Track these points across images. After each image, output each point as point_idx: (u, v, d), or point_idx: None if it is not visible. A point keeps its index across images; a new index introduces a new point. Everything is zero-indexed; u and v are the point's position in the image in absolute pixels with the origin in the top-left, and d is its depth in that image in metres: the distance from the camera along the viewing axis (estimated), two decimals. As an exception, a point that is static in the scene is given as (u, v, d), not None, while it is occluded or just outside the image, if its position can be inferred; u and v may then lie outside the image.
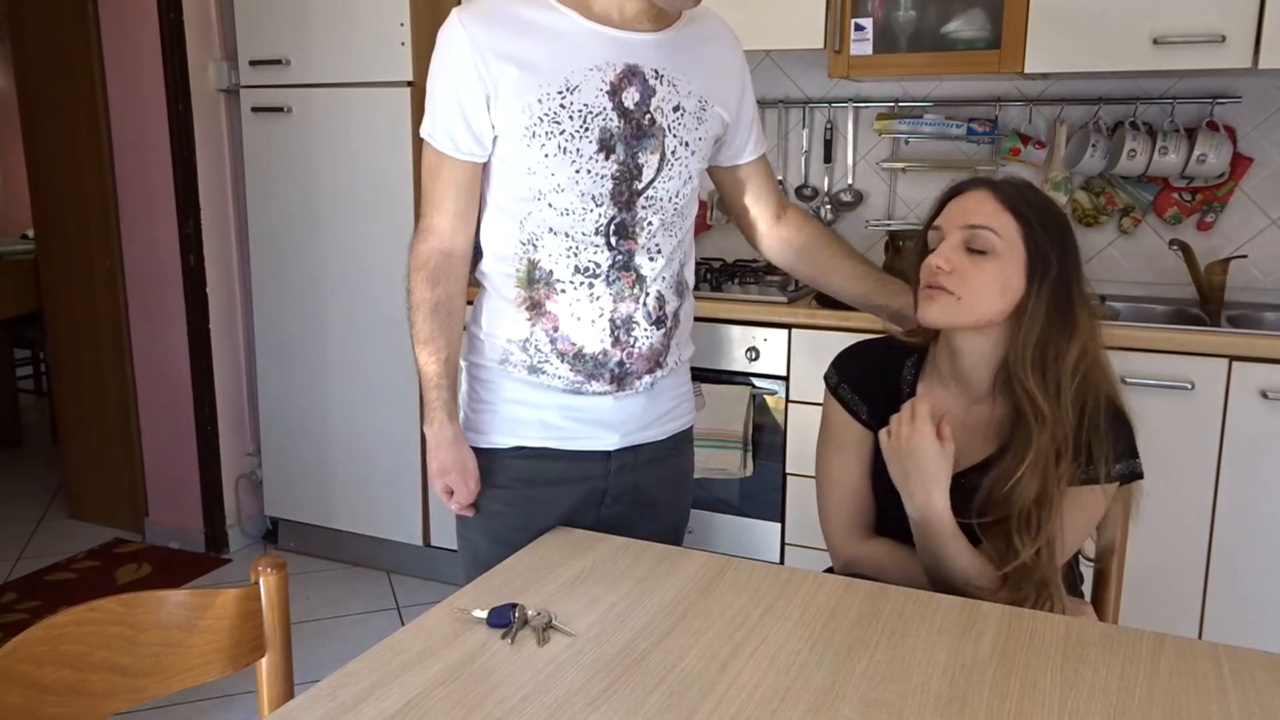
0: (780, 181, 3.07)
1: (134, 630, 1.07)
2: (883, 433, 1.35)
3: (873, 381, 1.45)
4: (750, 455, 2.59)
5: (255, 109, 3.13)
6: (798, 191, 3.05)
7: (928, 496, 1.30)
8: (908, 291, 1.48)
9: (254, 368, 3.37)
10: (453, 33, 1.35)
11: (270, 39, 3.05)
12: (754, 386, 2.58)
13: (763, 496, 2.63)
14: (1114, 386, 1.34)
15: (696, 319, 2.55)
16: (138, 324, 3.39)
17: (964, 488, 1.34)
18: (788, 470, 2.58)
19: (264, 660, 1.16)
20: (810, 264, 1.63)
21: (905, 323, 1.55)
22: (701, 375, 2.59)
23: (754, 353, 2.56)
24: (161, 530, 3.49)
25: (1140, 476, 1.35)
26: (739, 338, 2.56)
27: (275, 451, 3.32)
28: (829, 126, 2.99)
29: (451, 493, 1.47)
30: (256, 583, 1.14)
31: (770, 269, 2.90)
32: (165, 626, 1.09)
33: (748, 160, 1.59)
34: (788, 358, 2.53)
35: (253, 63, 3.09)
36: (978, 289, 1.30)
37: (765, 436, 2.60)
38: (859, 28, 2.58)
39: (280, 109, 3.08)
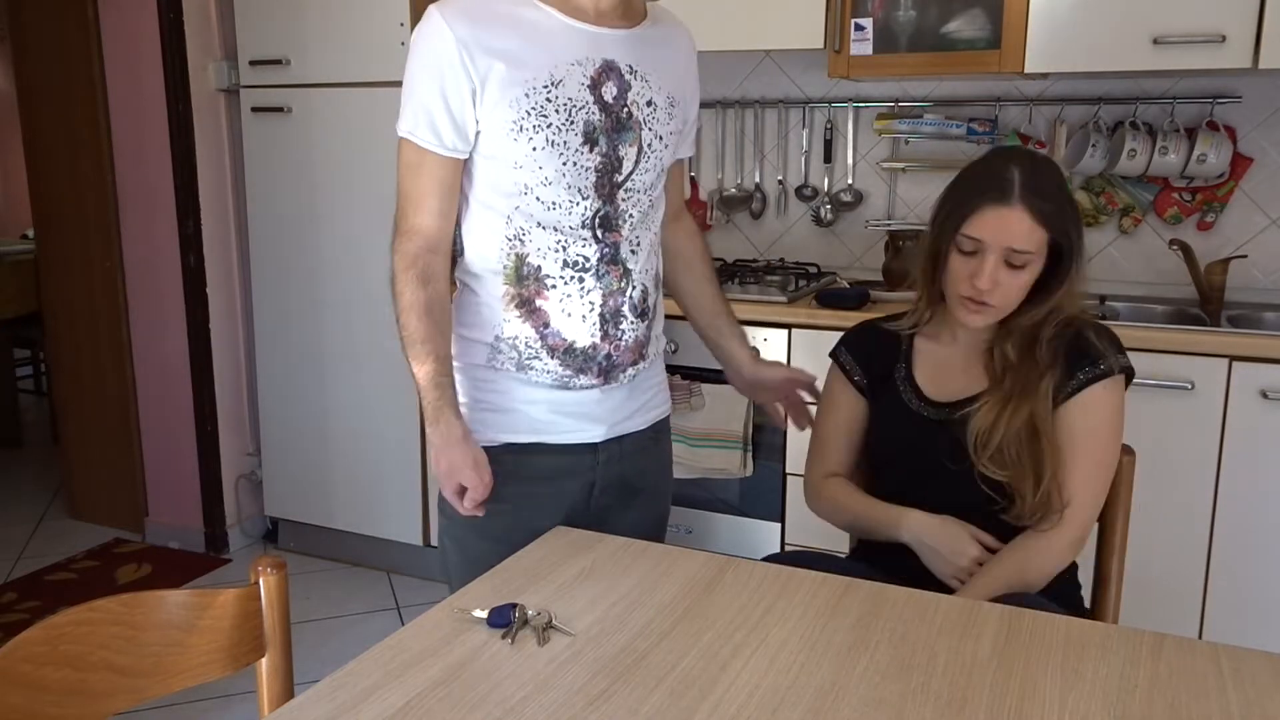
0: (780, 181, 3.07)
1: (134, 630, 1.07)
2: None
3: (871, 347, 1.59)
4: (750, 455, 2.59)
5: (255, 109, 3.13)
6: (798, 191, 3.05)
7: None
8: (734, 340, 1.67)
9: (254, 368, 3.36)
10: (435, 28, 1.34)
11: (270, 39, 3.05)
12: (754, 386, 2.57)
13: (763, 496, 2.63)
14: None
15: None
16: (138, 324, 3.38)
17: (958, 420, 1.46)
18: (788, 470, 2.58)
19: (264, 660, 1.16)
20: (669, 275, 1.67)
21: (728, 362, 1.69)
22: (701, 375, 2.59)
23: (754, 353, 2.55)
24: (161, 530, 3.49)
25: (1134, 374, 1.48)
26: (739, 338, 2.56)
27: (275, 451, 3.32)
28: (829, 126, 2.99)
29: (462, 492, 1.46)
30: (256, 583, 1.14)
31: (770, 269, 2.90)
32: (165, 626, 1.09)
33: (675, 159, 1.61)
34: (788, 358, 2.53)
35: (253, 63, 3.09)
36: (1013, 298, 1.43)
37: (765, 436, 2.60)
38: (859, 28, 2.58)
39: (280, 109, 3.08)
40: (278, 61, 3.04)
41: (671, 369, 2.61)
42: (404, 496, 3.10)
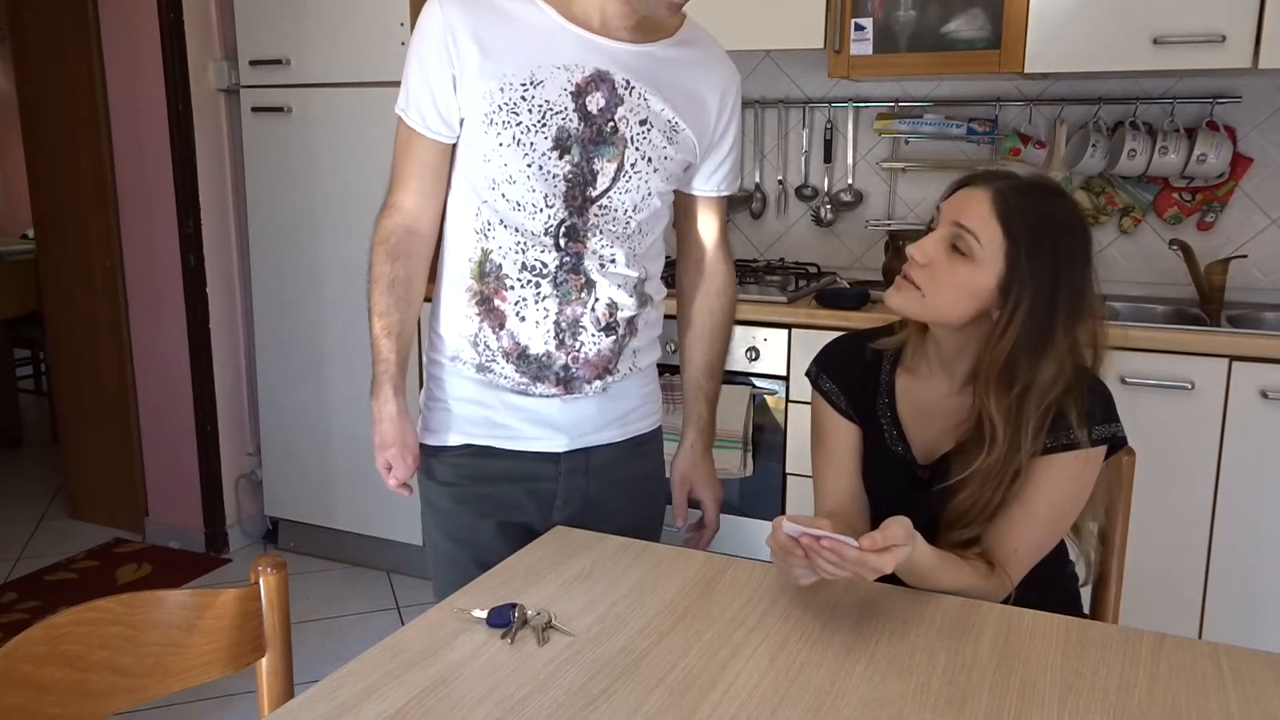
0: (780, 181, 3.07)
1: (134, 630, 1.07)
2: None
3: (852, 371, 1.43)
4: (750, 455, 2.59)
5: (255, 109, 3.13)
6: (798, 191, 3.05)
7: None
8: (691, 425, 1.62)
9: (254, 368, 3.37)
10: (430, 13, 1.38)
11: (270, 39, 3.05)
12: (754, 386, 2.58)
13: (763, 496, 2.63)
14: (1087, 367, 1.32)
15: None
16: (138, 324, 3.38)
17: (941, 473, 1.34)
18: (788, 470, 2.58)
19: (264, 660, 1.16)
20: (680, 323, 1.64)
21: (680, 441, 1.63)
22: (701, 375, 2.59)
23: (754, 353, 2.56)
24: (161, 530, 3.49)
25: (1124, 442, 1.32)
26: (739, 337, 2.56)
27: (275, 451, 3.32)
28: (829, 126, 2.99)
29: (390, 469, 1.49)
30: (256, 583, 1.14)
31: (770, 269, 2.90)
32: (165, 626, 1.09)
33: (701, 193, 1.55)
34: (788, 358, 2.53)
35: (253, 63, 3.09)
36: (943, 289, 1.27)
37: (765, 436, 2.60)
38: (859, 28, 2.58)
39: (280, 109, 3.08)
40: (278, 61, 3.04)
41: (672, 369, 2.61)
42: (404, 496, 3.09)
